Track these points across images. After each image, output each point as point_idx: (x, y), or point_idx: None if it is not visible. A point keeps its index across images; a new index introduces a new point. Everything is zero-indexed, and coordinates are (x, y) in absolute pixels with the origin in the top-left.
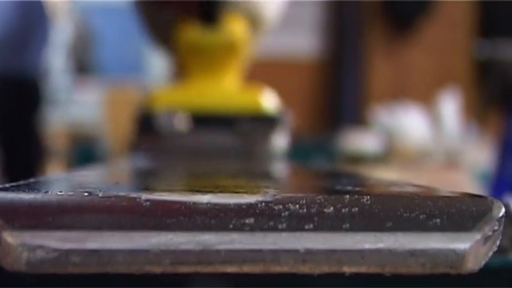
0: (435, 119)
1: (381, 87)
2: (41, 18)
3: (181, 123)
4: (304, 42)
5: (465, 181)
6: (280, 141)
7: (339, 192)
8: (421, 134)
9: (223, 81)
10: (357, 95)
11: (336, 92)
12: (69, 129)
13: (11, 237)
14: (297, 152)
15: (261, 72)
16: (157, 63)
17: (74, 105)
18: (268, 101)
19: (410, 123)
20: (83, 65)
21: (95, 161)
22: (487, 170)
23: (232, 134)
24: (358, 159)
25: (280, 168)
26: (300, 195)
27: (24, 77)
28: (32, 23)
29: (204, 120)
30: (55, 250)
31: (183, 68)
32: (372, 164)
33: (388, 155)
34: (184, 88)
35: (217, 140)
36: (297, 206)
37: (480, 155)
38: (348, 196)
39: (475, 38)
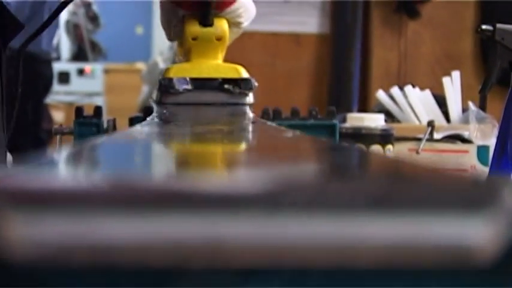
0: (439, 101)
1: (384, 68)
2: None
3: (186, 85)
4: (308, 21)
5: (470, 161)
6: (251, 96)
7: (345, 173)
8: (424, 115)
9: (214, 59)
10: (361, 76)
11: (339, 72)
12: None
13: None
14: (300, 129)
15: (267, 47)
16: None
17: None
18: (242, 71)
19: (414, 105)
20: (85, 48)
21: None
22: (490, 150)
23: (220, 91)
24: (361, 137)
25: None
26: (310, 178)
27: (37, 55)
28: (43, 4)
29: (201, 83)
30: (57, 243)
31: (188, 51)
32: (374, 142)
33: (391, 135)
34: (190, 64)
35: (211, 96)
36: (307, 189)
37: (483, 136)
38: (360, 179)
39: (478, 20)
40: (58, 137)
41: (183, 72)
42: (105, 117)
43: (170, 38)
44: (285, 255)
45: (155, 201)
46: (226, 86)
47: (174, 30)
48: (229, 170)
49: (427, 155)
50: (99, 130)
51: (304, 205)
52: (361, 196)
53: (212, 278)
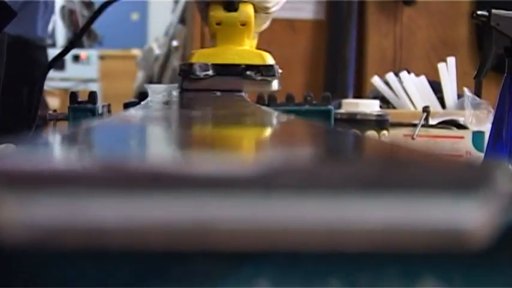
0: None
1: (379, 54)
2: None
3: (208, 71)
4: (303, 7)
5: (465, 146)
6: (275, 82)
7: (338, 156)
8: (419, 101)
9: (239, 45)
10: (356, 62)
11: (334, 58)
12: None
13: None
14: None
15: (261, 33)
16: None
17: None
18: (267, 57)
19: (409, 91)
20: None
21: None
22: (485, 136)
23: (242, 78)
24: (356, 123)
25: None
26: (308, 160)
27: (31, 41)
28: None
29: (224, 69)
30: (48, 225)
31: (213, 36)
32: (369, 128)
33: (386, 121)
34: (213, 49)
35: (232, 82)
36: (307, 172)
37: (478, 122)
38: (358, 162)
39: (474, 6)
40: (52, 122)
41: (206, 57)
42: (101, 103)
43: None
44: (278, 238)
45: (146, 183)
46: (248, 72)
47: (202, 14)
48: (222, 153)
49: (423, 140)
50: (94, 116)
51: (297, 187)
52: (354, 178)
53: (204, 261)
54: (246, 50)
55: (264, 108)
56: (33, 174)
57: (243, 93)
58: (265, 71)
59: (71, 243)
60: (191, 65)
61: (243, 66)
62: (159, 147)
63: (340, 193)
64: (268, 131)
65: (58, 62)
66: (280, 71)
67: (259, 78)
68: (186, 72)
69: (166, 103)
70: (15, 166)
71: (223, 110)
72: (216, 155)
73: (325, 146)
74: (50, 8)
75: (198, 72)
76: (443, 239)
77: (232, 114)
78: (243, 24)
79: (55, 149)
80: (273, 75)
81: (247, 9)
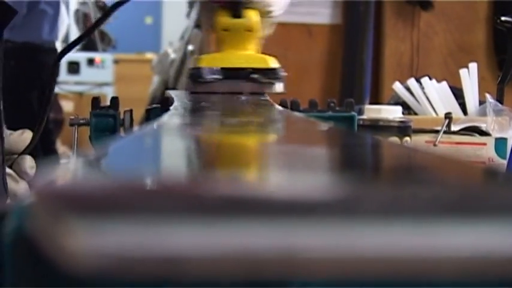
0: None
1: (396, 60)
2: None
3: (216, 75)
4: (320, 12)
5: (488, 153)
6: (280, 86)
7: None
8: (441, 107)
9: (244, 50)
10: (373, 67)
11: (351, 63)
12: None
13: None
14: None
15: (278, 38)
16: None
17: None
18: (272, 61)
19: (430, 97)
20: (95, 38)
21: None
22: (508, 143)
23: (248, 81)
24: (378, 129)
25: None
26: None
27: (38, 46)
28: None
29: (231, 72)
30: (121, 253)
31: (219, 42)
32: (392, 134)
33: (409, 127)
34: (220, 54)
35: (239, 85)
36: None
37: (501, 128)
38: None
39: (491, 12)
40: (74, 128)
41: (214, 62)
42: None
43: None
44: (363, 266)
45: (225, 208)
46: (253, 75)
47: (208, 21)
48: (295, 173)
49: (445, 147)
50: (116, 122)
51: (382, 212)
52: (441, 202)
53: None
54: (251, 54)
55: (298, 115)
56: (104, 199)
57: (267, 97)
58: (270, 74)
59: (145, 272)
60: (200, 69)
61: (249, 69)
62: (228, 166)
63: (430, 218)
64: (324, 145)
65: (72, 65)
66: (284, 73)
67: (264, 80)
68: (195, 76)
69: (197, 110)
70: (84, 190)
71: (261, 119)
72: (292, 177)
73: (392, 163)
74: (56, 11)
75: (207, 76)
76: None
77: (274, 124)
78: (248, 30)
79: (119, 168)
80: (277, 78)
81: (253, 16)
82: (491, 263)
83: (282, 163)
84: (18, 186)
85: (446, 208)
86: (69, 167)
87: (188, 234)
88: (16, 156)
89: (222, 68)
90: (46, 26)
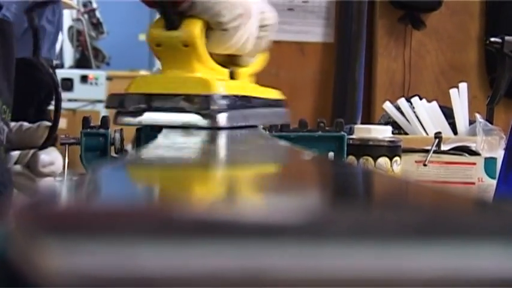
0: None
1: (389, 78)
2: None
3: (140, 103)
4: (313, 30)
5: (477, 173)
6: (221, 117)
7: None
8: (431, 127)
9: (185, 70)
10: (365, 85)
11: (343, 81)
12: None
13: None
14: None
15: (270, 56)
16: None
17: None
18: (218, 85)
19: (421, 117)
20: (89, 55)
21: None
22: (497, 162)
23: (177, 111)
24: (368, 149)
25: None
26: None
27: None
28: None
29: (160, 99)
30: (96, 273)
31: (159, 60)
32: (382, 154)
33: (399, 147)
34: (154, 77)
35: (165, 116)
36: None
37: (490, 148)
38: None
39: (483, 31)
40: (65, 147)
41: (144, 86)
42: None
43: None
44: (332, 286)
45: (196, 230)
46: (181, 104)
47: None
48: (264, 197)
49: (434, 167)
50: (106, 141)
51: (349, 234)
52: (409, 224)
53: None
54: (190, 76)
55: (281, 142)
56: (79, 218)
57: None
58: (202, 102)
59: None
60: (123, 96)
61: (182, 96)
62: (201, 191)
63: (395, 240)
64: (296, 171)
65: (66, 82)
66: (225, 102)
67: (193, 110)
68: (117, 106)
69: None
70: (58, 209)
71: (246, 147)
72: (262, 200)
73: (364, 189)
74: (55, 28)
75: (127, 105)
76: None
77: (254, 151)
78: (185, 45)
79: (98, 190)
80: (207, 108)
81: (192, 28)
82: (455, 284)
83: (253, 188)
84: (34, 185)
85: (412, 230)
86: (49, 189)
87: (160, 255)
88: (31, 151)
89: (150, 95)
90: (47, 42)
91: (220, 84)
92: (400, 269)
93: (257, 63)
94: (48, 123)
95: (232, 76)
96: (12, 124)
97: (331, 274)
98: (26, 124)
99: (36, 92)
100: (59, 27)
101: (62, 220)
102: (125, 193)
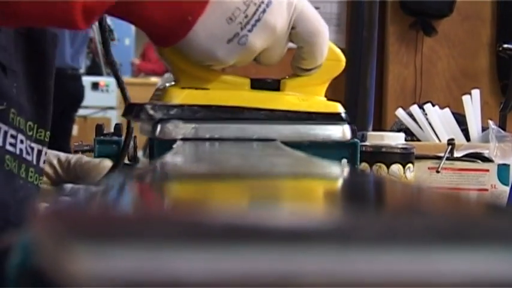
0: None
1: (400, 85)
2: None
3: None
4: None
5: (490, 180)
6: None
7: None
8: (444, 134)
9: None
10: (376, 92)
11: (355, 88)
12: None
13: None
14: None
15: (282, 63)
16: None
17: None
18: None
19: (433, 124)
20: (100, 62)
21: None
22: (510, 169)
23: None
24: (381, 155)
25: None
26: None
27: (61, 70)
28: None
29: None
30: (126, 279)
31: None
32: (394, 161)
33: (412, 154)
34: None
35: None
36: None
37: (503, 154)
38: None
39: (494, 37)
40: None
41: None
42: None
43: None
44: None
45: (227, 234)
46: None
47: None
48: (295, 205)
49: (447, 173)
50: (119, 148)
51: (379, 239)
52: (436, 230)
53: None
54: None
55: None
56: (108, 224)
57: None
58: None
59: None
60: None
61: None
62: (230, 198)
63: (423, 245)
64: (323, 181)
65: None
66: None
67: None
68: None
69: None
70: (88, 215)
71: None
72: (291, 207)
73: (388, 197)
74: (81, 37)
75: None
76: None
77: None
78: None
79: (128, 195)
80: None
81: None
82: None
83: (281, 196)
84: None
85: (440, 236)
86: (73, 195)
87: (190, 260)
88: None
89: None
90: (70, 50)
91: (178, 93)
92: (429, 273)
93: (321, 73)
94: (110, 162)
95: (274, 87)
96: (70, 156)
97: (361, 278)
98: (85, 158)
99: (60, 100)
100: (83, 36)
101: (92, 225)
102: (153, 199)
